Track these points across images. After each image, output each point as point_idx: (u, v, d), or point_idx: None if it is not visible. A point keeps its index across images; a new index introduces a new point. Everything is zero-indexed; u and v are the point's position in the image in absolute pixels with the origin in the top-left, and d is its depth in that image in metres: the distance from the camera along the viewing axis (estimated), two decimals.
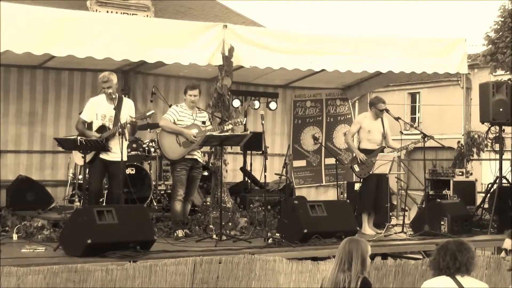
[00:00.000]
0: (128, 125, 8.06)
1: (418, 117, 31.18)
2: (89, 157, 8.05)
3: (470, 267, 4.73)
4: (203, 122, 8.73)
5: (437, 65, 10.34)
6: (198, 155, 8.72)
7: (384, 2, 58.05)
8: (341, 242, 5.18)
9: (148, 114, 8.14)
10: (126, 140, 8.09)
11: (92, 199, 8.10)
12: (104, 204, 8.43)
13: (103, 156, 8.09)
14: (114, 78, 8.21)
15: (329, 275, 5.04)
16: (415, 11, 55.37)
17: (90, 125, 8.26)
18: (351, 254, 4.96)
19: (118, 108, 8.10)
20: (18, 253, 7.01)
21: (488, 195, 10.62)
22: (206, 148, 9.27)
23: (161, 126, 8.75)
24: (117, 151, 7.93)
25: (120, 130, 7.89)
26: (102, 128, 8.15)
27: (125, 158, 8.02)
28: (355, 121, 10.20)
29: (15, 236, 7.97)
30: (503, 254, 5.26)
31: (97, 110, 8.21)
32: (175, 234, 8.35)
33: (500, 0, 16.74)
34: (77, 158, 8.35)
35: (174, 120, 8.61)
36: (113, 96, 8.09)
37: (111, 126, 8.10)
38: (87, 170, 8.23)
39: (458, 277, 4.69)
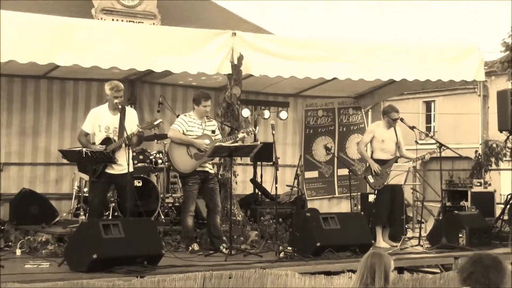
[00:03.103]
0: (135, 136, 7.86)
1: (434, 126, 30.87)
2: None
3: None
4: (213, 131, 8.49)
5: (452, 73, 10.12)
6: (209, 167, 8.51)
7: (397, 6, 58.01)
8: (355, 255, 4.95)
9: (155, 123, 7.93)
10: (131, 151, 7.88)
11: (94, 215, 7.92)
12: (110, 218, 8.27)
13: (109, 170, 7.89)
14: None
15: None
16: (429, 17, 55.36)
17: (92, 137, 8.08)
18: (374, 269, 4.76)
19: (122, 119, 7.89)
20: (22, 269, 6.87)
21: (508, 206, 10.42)
22: (216, 159, 9.09)
23: (170, 137, 8.47)
24: (123, 163, 7.75)
25: (126, 141, 7.70)
26: (106, 140, 7.93)
27: (131, 169, 7.83)
28: (368, 130, 10.01)
29: (18, 251, 7.86)
30: None
31: (100, 122, 7.99)
32: (190, 248, 8.17)
33: None
34: (82, 173, 8.20)
35: (183, 130, 8.34)
36: (119, 107, 7.91)
37: (116, 138, 7.90)
38: (91, 184, 8.09)
39: None
